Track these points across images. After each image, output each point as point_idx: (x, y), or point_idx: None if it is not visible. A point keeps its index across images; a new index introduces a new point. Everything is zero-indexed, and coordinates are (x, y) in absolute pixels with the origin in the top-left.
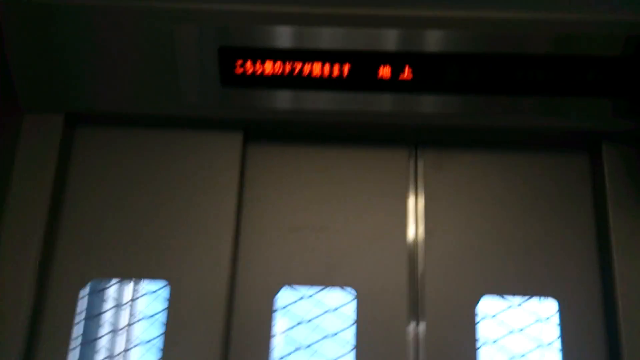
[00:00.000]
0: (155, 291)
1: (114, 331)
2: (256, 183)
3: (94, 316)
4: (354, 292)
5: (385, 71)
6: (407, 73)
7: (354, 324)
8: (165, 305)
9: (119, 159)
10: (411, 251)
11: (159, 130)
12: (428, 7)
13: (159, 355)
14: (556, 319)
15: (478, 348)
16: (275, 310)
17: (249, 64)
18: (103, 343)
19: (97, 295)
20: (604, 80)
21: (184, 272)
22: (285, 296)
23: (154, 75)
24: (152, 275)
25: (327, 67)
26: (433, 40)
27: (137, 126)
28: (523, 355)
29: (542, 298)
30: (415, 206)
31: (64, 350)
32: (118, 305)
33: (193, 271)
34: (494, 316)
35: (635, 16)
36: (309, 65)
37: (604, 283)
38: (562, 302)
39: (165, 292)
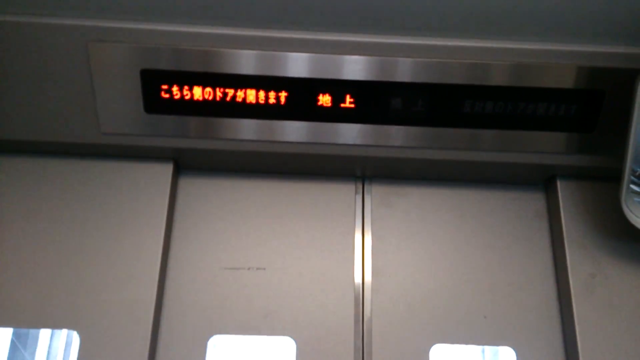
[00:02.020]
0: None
1: None
2: (187, 219)
3: None
4: (293, 341)
5: (325, 99)
6: (348, 102)
7: None
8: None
9: (31, 192)
10: (357, 294)
11: (79, 160)
12: (372, 33)
13: None
14: None
15: None
16: None
17: (175, 88)
18: None
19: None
20: (559, 113)
21: (97, 321)
22: (215, 347)
23: (69, 100)
24: (59, 325)
25: (262, 93)
26: (376, 68)
27: (53, 156)
28: None
29: (499, 347)
30: (362, 245)
31: None
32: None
33: (108, 320)
34: None
35: (591, 47)
36: (243, 92)
37: (564, 330)
38: (520, 351)
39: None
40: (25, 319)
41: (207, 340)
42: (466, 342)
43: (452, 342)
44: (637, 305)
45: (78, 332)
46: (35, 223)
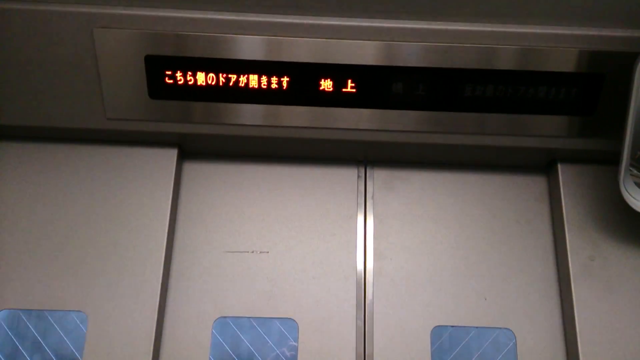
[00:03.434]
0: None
1: None
2: (191, 203)
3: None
4: (295, 323)
5: (327, 84)
6: (349, 86)
7: (295, 358)
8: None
9: (39, 177)
10: (359, 277)
11: (84, 145)
12: (374, 17)
13: None
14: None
15: None
16: (209, 345)
17: (179, 74)
18: None
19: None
20: (559, 96)
21: (105, 303)
22: (220, 329)
23: (75, 86)
24: (67, 306)
25: (264, 78)
26: (378, 53)
27: (60, 141)
28: None
29: (499, 329)
30: (364, 228)
31: None
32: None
33: (116, 301)
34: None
35: (591, 30)
36: (245, 77)
37: (563, 312)
38: (519, 333)
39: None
40: (34, 300)
41: (212, 321)
42: (466, 324)
43: (453, 324)
44: (636, 288)
45: (86, 313)
46: (41, 208)
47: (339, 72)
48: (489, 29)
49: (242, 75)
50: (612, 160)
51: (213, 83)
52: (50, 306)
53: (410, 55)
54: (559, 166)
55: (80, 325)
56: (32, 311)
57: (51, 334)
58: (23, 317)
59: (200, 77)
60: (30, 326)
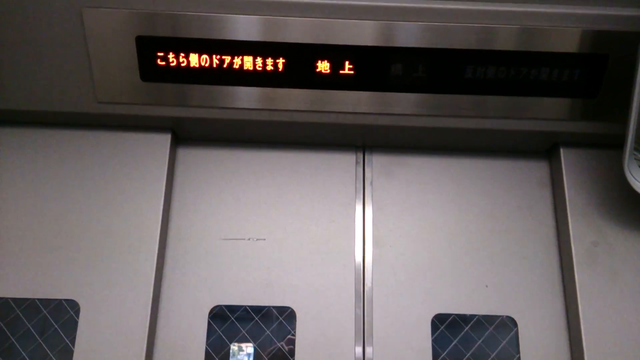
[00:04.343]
0: None
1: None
2: (186, 189)
3: None
4: (294, 312)
5: (323, 66)
6: (347, 68)
7: (293, 347)
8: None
9: (29, 164)
10: (358, 265)
11: (75, 130)
12: None
13: None
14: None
15: None
16: (205, 334)
17: (171, 55)
18: None
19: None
20: (562, 78)
21: (98, 291)
22: (216, 317)
23: (64, 68)
24: (60, 294)
25: (259, 60)
26: (375, 33)
27: (49, 126)
28: None
29: (500, 316)
30: (362, 215)
31: None
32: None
33: (109, 290)
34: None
35: (594, 9)
36: (240, 58)
37: (565, 298)
38: (521, 320)
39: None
40: (26, 289)
41: (208, 309)
42: (467, 311)
43: (453, 311)
44: None
45: (78, 302)
46: (32, 195)
47: (336, 53)
48: (490, 8)
49: (236, 57)
50: (615, 144)
51: (207, 65)
52: (41, 294)
53: (409, 35)
54: (561, 150)
55: (73, 314)
56: (24, 299)
57: (43, 323)
58: (13, 306)
59: (194, 59)
60: (22, 315)
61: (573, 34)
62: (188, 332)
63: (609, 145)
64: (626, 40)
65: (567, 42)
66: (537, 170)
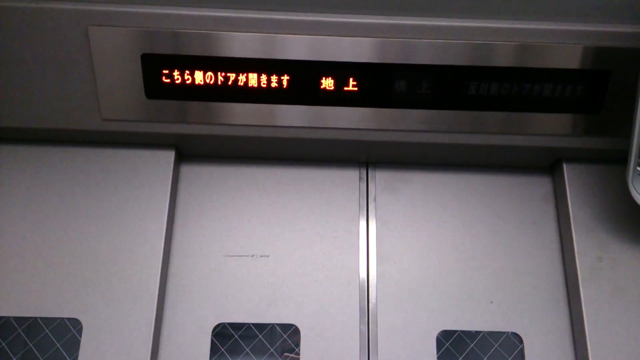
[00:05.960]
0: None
1: None
2: (189, 206)
3: None
4: (298, 329)
5: (327, 82)
6: (351, 85)
7: None
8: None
9: (33, 180)
10: (362, 281)
11: (79, 147)
12: (375, 14)
13: None
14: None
15: None
16: (208, 352)
17: (176, 73)
18: None
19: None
20: (564, 94)
21: (100, 309)
22: (219, 335)
23: (70, 86)
24: (62, 313)
25: (264, 77)
26: (379, 50)
27: (54, 143)
28: None
29: (505, 333)
30: (366, 231)
31: None
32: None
33: (112, 308)
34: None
35: (596, 26)
36: (244, 76)
37: (571, 314)
38: (527, 336)
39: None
40: (28, 307)
41: (211, 327)
42: (472, 328)
43: (458, 328)
44: None
45: (81, 320)
46: (37, 212)
47: (340, 70)
48: (493, 25)
49: (241, 74)
50: (619, 159)
51: (211, 82)
52: (43, 313)
53: (413, 52)
54: (565, 166)
55: (75, 332)
56: (25, 318)
57: (44, 342)
58: (15, 324)
59: (198, 76)
60: (23, 334)
61: (575, 50)
62: (191, 350)
63: (612, 161)
64: (628, 57)
65: (570, 59)
66: (540, 185)
